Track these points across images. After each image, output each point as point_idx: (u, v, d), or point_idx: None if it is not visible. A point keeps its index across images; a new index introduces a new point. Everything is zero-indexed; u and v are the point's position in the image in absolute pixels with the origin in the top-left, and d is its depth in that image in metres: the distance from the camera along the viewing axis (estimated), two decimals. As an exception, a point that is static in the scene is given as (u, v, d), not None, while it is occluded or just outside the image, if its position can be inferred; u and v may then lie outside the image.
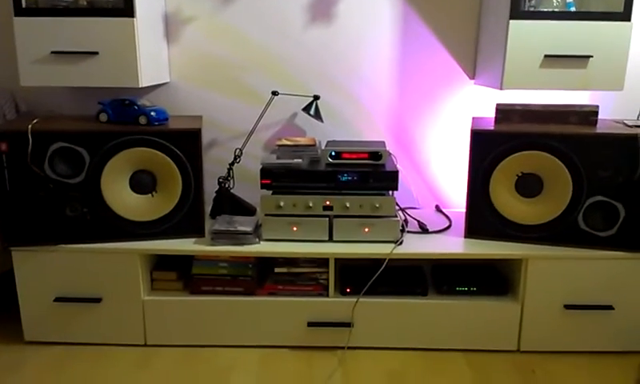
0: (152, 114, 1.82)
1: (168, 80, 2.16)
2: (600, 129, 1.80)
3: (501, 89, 1.83)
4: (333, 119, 2.21)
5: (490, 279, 1.91)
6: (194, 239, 1.87)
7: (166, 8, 2.10)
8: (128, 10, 1.77)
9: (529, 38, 1.78)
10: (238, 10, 2.11)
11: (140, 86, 1.84)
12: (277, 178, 1.86)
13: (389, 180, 1.84)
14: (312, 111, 2.09)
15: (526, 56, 1.79)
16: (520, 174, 1.83)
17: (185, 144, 1.80)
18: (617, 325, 1.83)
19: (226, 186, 2.08)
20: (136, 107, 1.83)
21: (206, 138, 2.22)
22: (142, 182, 1.84)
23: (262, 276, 1.90)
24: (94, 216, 1.81)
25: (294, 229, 1.85)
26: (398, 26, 2.13)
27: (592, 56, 1.78)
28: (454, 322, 1.84)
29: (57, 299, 1.84)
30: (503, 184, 1.83)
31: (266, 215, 1.86)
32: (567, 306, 1.81)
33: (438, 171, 2.27)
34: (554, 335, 1.84)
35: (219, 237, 1.83)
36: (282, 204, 1.84)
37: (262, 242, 1.85)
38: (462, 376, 1.74)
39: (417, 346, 1.86)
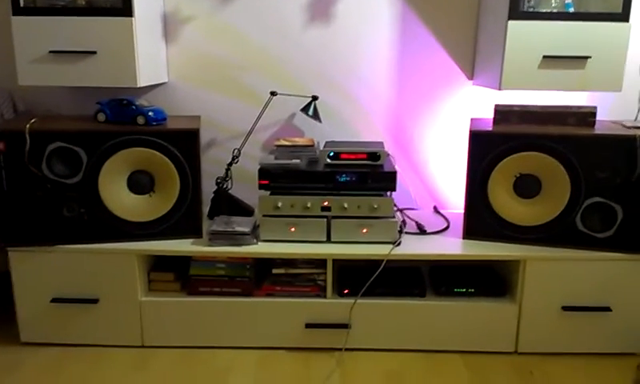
0: (150, 113, 1.82)
1: (166, 80, 2.15)
2: (598, 130, 1.80)
3: (499, 89, 1.83)
4: (331, 120, 2.21)
5: (488, 280, 1.91)
6: (191, 240, 1.87)
7: (164, 8, 2.10)
8: (126, 10, 1.77)
9: (527, 38, 1.78)
10: (236, 9, 2.11)
11: (138, 85, 1.83)
12: (275, 179, 1.86)
13: (387, 181, 1.84)
14: (310, 112, 2.09)
15: (525, 57, 1.79)
16: (518, 175, 1.83)
17: (183, 144, 1.80)
18: (614, 326, 1.83)
19: (224, 186, 2.07)
20: (134, 107, 1.83)
21: (204, 138, 2.21)
22: (140, 183, 1.84)
23: (260, 277, 1.89)
24: (91, 216, 1.80)
25: (292, 229, 1.85)
26: (397, 27, 2.13)
27: (590, 57, 1.78)
28: (451, 324, 1.84)
29: (54, 300, 1.83)
30: (501, 185, 1.83)
31: (264, 216, 1.85)
32: (565, 308, 1.81)
33: (436, 172, 2.27)
34: (552, 336, 1.84)
35: (217, 237, 1.82)
36: (279, 205, 1.84)
37: (259, 243, 1.84)
38: (460, 377, 1.73)
39: (415, 347, 1.86)
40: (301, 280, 1.85)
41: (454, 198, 2.29)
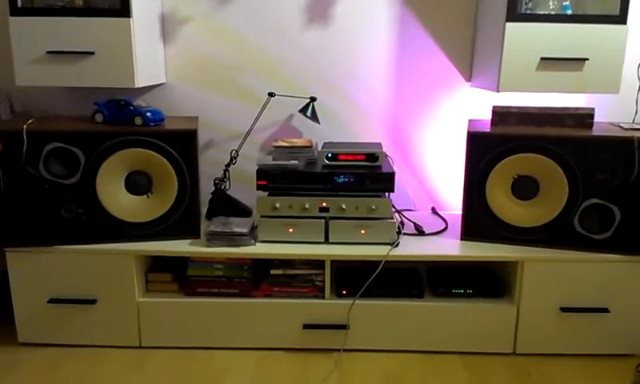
0: (148, 114, 1.81)
1: (164, 81, 2.15)
2: (596, 131, 1.80)
3: (497, 91, 1.83)
4: (329, 121, 2.21)
5: (486, 281, 1.91)
6: (189, 240, 1.87)
7: (162, 8, 2.10)
8: (124, 11, 1.77)
9: (525, 40, 1.78)
10: (234, 10, 2.11)
11: (136, 86, 1.83)
12: (273, 180, 1.86)
13: (385, 182, 1.84)
14: (308, 113, 2.09)
15: (523, 58, 1.80)
16: (516, 177, 1.83)
17: (181, 145, 1.79)
18: (612, 327, 1.83)
19: (222, 187, 2.07)
20: (132, 108, 1.82)
21: (202, 139, 2.21)
22: (138, 183, 1.83)
23: (258, 278, 1.89)
24: (88, 217, 1.80)
25: (290, 230, 1.85)
26: (395, 28, 2.13)
27: (588, 59, 1.79)
28: (450, 325, 1.84)
29: (51, 300, 1.83)
30: (499, 186, 1.84)
31: (262, 217, 1.85)
32: (563, 309, 1.82)
33: (434, 173, 2.27)
34: (550, 338, 1.84)
35: (215, 238, 1.82)
36: (277, 205, 1.84)
37: (257, 244, 1.84)
38: (458, 378, 1.73)
39: (413, 348, 1.86)
40: (299, 281, 1.85)
41: (452, 200, 2.29)
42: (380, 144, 2.08)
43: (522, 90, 1.83)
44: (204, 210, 2.09)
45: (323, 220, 1.85)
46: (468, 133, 1.82)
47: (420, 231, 1.99)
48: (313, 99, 2.11)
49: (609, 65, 1.79)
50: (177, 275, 1.90)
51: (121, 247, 1.80)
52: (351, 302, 1.82)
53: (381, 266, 1.79)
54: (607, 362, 1.83)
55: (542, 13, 1.80)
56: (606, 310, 1.81)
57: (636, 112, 2.12)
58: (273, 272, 1.85)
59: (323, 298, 1.84)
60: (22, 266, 1.81)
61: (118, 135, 1.76)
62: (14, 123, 1.80)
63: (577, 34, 1.77)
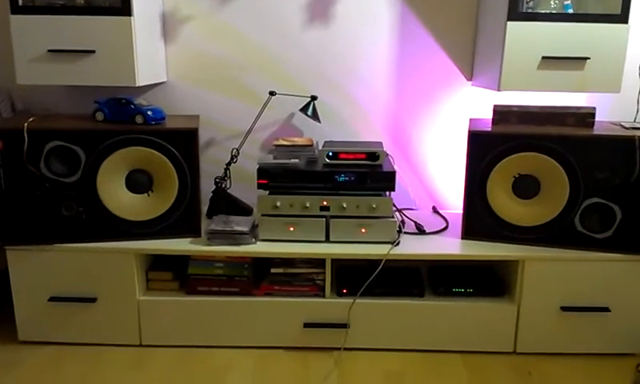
0: (149, 113, 1.81)
1: (165, 79, 2.15)
2: (597, 131, 1.80)
3: (498, 90, 1.83)
4: (330, 120, 2.21)
5: (487, 281, 1.91)
6: (190, 239, 1.87)
7: (163, 7, 2.10)
8: (125, 9, 1.76)
9: (526, 39, 1.78)
10: (235, 9, 2.11)
11: (137, 85, 1.83)
12: (274, 178, 1.85)
13: (386, 181, 1.84)
14: (309, 112, 2.09)
15: (524, 57, 1.79)
16: (517, 176, 1.83)
17: (181, 143, 1.79)
18: (613, 327, 1.83)
19: (223, 185, 2.07)
20: (132, 106, 1.82)
21: (202, 137, 2.21)
22: (138, 182, 1.83)
23: (259, 276, 1.89)
24: (89, 215, 1.80)
25: (291, 229, 1.85)
26: (396, 27, 2.13)
27: (589, 58, 1.79)
28: (450, 324, 1.84)
29: (51, 299, 1.83)
30: (500, 185, 1.83)
31: (263, 215, 1.85)
32: (563, 308, 1.81)
33: (435, 172, 2.27)
34: (551, 337, 1.84)
35: (215, 237, 1.82)
36: (278, 204, 1.84)
37: (258, 243, 1.84)
38: (459, 377, 1.73)
39: (413, 347, 1.86)
40: (299, 280, 1.85)
41: (453, 199, 2.29)
42: (381, 143, 2.08)
43: (523, 89, 1.83)
44: (205, 208, 2.09)
45: (324, 219, 1.85)
46: (469, 132, 1.82)
47: (421, 230, 1.99)
48: (314, 98, 2.11)
49: (610, 64, 1.79)
50: (177, 274, 1.90)
51: (121, 246, 1.80)
52: (352, 300, 1.82)
53: (381, 264, 1.79)
54: (608, 361, 1.83)
55: (543, 12, 1.80)
56: (606, 310, 1.81)
57: (637, 111, 2.12)
58: (273, 271, 1.85)
59: (324, 296, 1.84)
60: (23, 264, 1.81)
61: (118, 134, 1.76)
62: (15, 121, 1.80)
63: (578, 33, 1.77)
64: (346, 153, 1.90)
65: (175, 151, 1.79)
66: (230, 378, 1.71)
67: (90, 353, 1.83)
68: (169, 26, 2.12)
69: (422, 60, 2.16)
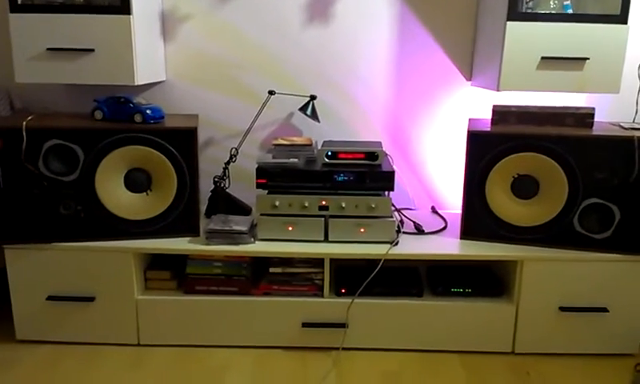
0: (147, 111, 1.81)
1: (164, 78, 2.15)
2: (596, 131, 1.80)
3: (497, 90, 1.83)
4: (329, 119, 2.20)
5: (486, 281, 1.91)
6: (188, 238, 1.86)
7: (162, 6, 2.10)
8: (124, 8, 1.76)
9: (526, 39, 1.78)
10: (234, 8, 2.11)
11: (136, 83, 1.83)
12: (272, 178, 1.85)
13: (385, 180, 1.84)
14: (309, 111, 2.09)
15: (523, 58, 1.79)
16: (516, 176, 1.83)
17: (180, 143, 1.79)
18: (611, 327, 1.83)
19: (222, 185, 2.07)
20: (131, 105, 1.82)
21: (201, 136, 2.21)
22: (137, 181, 1.83)
23: (257, 276, 1.89)
24: (87, 214, 1.80)
25: (290, 229, 1.84)
26: (395, 27, 2.13)
27: (589, 58, 1.79)
28: (449, 324, 1.84)
29: (49, 298, 1.82)
30: (499, 185, 1.83)
31: (262, 215, 1.85)
32: (562, 308, 1.81)
33: (434, 172, 2.27)
34: (549, 337, 1.84)
35: (214, 236, 1.82)
36: (277, 204, 1.84)
37: (257, 242, 1.84)
38: (457, 377, 1.73)
39: (412, 347, 1.86)
40: (298, 279, 1.85)
41: (452, 199, 2.29)
42: (380, 143, 2.07)
43: (522, 90, 1.83)
44: (203, 207, 2.08)
45: (323, 218, 1.85)
46: (468, 132, 1.82)
47: (419, 230, 1.99)
48: (313, 97, 2.11)
49: (609, 64, 1.79)
50: (176, 273, 1.90)
51: (120, 245, 1.80)
52: (350, 300, 1.82)
53: (380, 264, 1.79)
54: (606, 361, 1.83)
55: (542, 12, 1.80)
56: (605, 310, 1.81)
57: (636, 112, 2.12)
58: (272, 270, 1.85)
59: (322, 296, 1.84)
60: (21, 263, 1.81)
61: (117, 132, 1.76)
62: (14, 120, 1.79)
63: (577, 34, 1.77)
64: (345, 152, 1.89)
65: (174, 150, 1.79)
66: (228, 377, 1.71)
67: (88, 352, 1.83)
68: (168, 25, 2.12)
69: (422, 60, 2.16)
